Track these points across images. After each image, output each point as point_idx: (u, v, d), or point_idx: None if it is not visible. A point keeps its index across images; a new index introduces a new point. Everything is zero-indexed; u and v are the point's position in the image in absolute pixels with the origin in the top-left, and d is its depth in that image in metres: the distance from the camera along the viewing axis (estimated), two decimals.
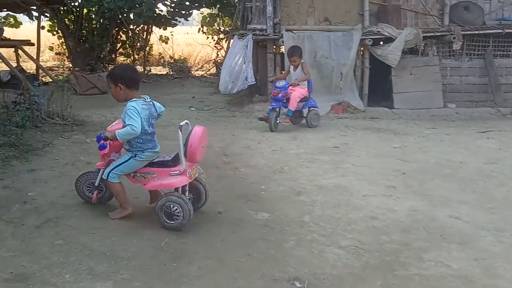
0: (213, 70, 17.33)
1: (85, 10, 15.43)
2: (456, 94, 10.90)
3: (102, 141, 4.09)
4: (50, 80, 14.37)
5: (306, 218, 4.37)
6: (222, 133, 7.94)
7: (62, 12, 15.47)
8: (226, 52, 13.68)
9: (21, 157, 5.63)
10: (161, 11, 16.53)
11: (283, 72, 9.74)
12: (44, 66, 15.95)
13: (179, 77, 16.16)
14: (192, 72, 17.50)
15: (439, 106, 10.59)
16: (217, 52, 17.25)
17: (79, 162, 5.77)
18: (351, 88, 10.59)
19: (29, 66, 16.78)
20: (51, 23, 17.65)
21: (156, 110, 4.22)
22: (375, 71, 10.84)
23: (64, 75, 15.46)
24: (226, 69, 11.12)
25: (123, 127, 3.97)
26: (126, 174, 4.18)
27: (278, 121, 8.27)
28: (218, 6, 16.34)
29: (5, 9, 15.09)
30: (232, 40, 12.12)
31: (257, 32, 10.59)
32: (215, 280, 3.23)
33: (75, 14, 15.86)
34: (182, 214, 3.95)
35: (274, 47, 10.71)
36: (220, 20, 17.63)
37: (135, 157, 4.08)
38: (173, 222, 3.99)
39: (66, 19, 15.81)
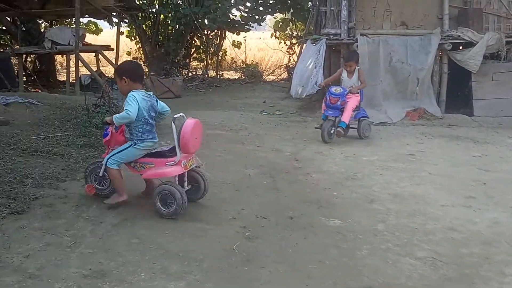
0: (285, 75, 17.31)
1: (161, 16, 15.91)
2: None
3: (108, 129, 4.41)
4: None
5: (380, 226, 4.25)
6: (293, 138, 7.90)
7: (140, 18, 16.05)
8: (298, 57, 13.63)
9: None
10: (235, 16, 16.75)
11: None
12: None
13: (251, 82, 16.28)
14: (264, 77, 17.58)
15: None
16: (289, 57, 17.24)
17: None
18: (428, 94, 10.23)
19: (108, 70, 17.52)
20: (129, 29, 18.35)
21: (158, 105, 4.46)
22: (454, 76, 10.41)
23: None
24: (298, 74, 11.09)
25: None
26: (126, 164, 4.41)
27: (332, 131, 7.56)
28: (291, 11, 16.34)
29: (87, 15, 15.85)
30: (304, 45, 12.06)
31: (331, 36, 10.48)
32: (286, 286, 3.19)
33: (152, 20, 16.40)
34: (175, 203, 4.14)
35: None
36: (293, 25, 17.61)
37: (134, 145, 4.30)
38: (167, 210, 4.19)
39: (143, 25, 16.39)
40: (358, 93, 7.82)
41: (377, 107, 10.05)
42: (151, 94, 4.45)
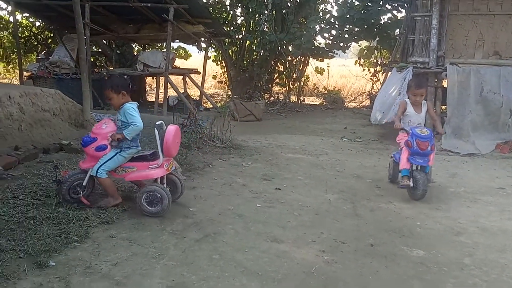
0: (367, 102, 17.10)
1: (247, 42, 16.32)
2: None
3: (102, 143, 4.52)
4: (211, 106, 15.41)
5: (467, 260, 4.05)
6: (374, 165, 7.76)
7: (226, 44, 16.55)
8: (382, 84, 13.46)
9: (184, 175, 6.03)
10: (319, 43, 16.85)
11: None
12: (206, 93, 17.15)
13: (332, 108, 16.23)
14: (345, 104, 17.47)
15: None
16: (373, 84, 17.04)
17: (235, 184, 6.02)
18: None
19: (193, 93, 18.15)
20: (216, 54, 18.98)
21: None
22: None
23: (224, 102, 16.45)
24: (379, 100, 10.95)
25: (118, 126, 4.60)
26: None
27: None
28: (377, 38, 16.21)
29: (177, 40, 16.58)
30: (390, 73, 11.89)
31: (418, 65, 10.28)
32: None
33: (238, 45, 16.87)
34: (161, 202, 4.47)
35: (436, 80, 10.27)
36: (378, 52, 17.44)
37: (120, 152, 4.55)
38: (152, 209, 4.49)
39: (229, 50, 16.89)
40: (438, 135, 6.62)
41: (464, 137, 9.68)
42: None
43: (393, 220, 5.05)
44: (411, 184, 5.78)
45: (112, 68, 15.24)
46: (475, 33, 10.22)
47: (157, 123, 4.76)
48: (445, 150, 9.34)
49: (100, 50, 16.88)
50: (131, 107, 4.58)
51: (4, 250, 3.49)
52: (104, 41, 16.37)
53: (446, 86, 10.14)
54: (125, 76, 4.90)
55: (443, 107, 10.46)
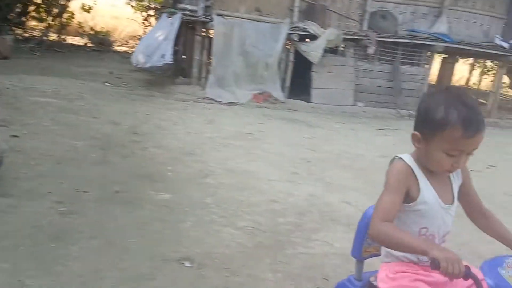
0: None
1: None
2: (365, 94, 11.26)
3: None
4: None
5: (209, 199, 4.23)
6: (135, 112, 7.58)
7: None
8: None
9: None
10: None
11: None
12: None
13: (99, 50, 15.37)
14: (114, 47, 16.70)
15: (349, 104, 10.94)
16: (144, 28, 16.59)
17: None
18: (273, 79, 10.55)
19: None
20: None
21: None
22: (298, 65, 10.83)
23: None
24: (144, 43, 10.62)
25: None
26: None
27: None
28: None
29: None
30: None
31: (188, 12, 10.23)
32: (98, 261, 2.95)
33: None
34: None
35: (204, 30, 10.40)
36: None
37: None
38: None
39: None
40: None
41: (226, 87, 10.16)
42: None
43: (145, 166, 4.99)
44: None
45: None
46: None
47: None
48: (208, 98, 9.66)
49: None
50: None
51: None
52: None
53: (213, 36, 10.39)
54: None
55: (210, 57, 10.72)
